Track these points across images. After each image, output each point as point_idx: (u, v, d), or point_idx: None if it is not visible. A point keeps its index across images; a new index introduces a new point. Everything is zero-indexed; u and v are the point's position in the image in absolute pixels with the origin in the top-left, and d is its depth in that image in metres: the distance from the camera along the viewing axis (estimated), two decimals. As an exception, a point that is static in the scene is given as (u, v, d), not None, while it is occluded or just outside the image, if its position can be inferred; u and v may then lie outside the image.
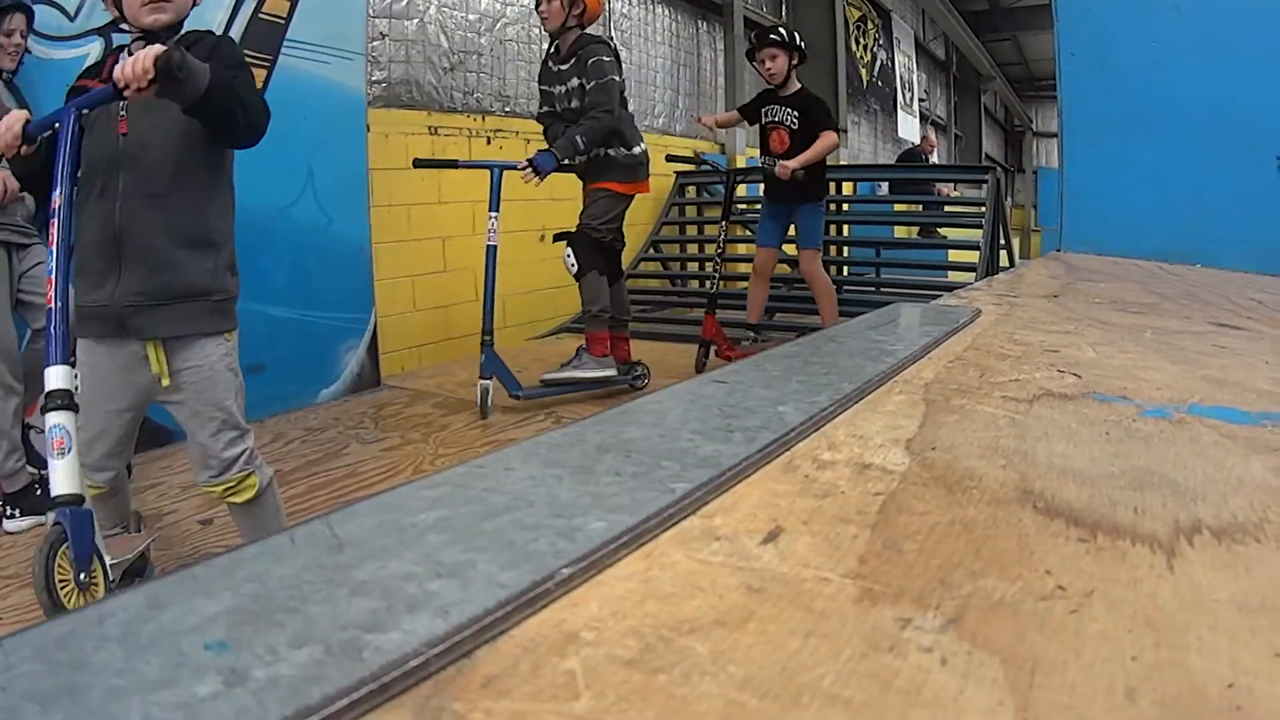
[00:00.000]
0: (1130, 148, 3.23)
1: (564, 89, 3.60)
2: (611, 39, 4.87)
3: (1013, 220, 7.72)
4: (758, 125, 4.39)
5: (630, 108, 3.75)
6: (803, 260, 4.43)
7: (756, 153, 4.61)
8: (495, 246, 3.48)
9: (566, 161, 3.46)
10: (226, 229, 1.95)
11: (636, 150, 3.64)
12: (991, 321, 1.58)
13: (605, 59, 3.52)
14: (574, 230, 3.62)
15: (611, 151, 3.58)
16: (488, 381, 3.41)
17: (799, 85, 4.28)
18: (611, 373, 3.63)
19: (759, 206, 4.94)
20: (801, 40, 4.24)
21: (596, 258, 3.59)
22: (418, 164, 3.71)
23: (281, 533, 0.56)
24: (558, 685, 0.41)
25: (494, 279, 3.47)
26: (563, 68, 3.59)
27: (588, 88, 3.49)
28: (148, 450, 3.04)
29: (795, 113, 4.21)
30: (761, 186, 4.26)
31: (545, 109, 3.79)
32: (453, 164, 3.79)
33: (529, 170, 3.39)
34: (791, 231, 4.48)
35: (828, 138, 4.11)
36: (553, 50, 3.68)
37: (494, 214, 3.48)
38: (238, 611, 0.45)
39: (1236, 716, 0.40)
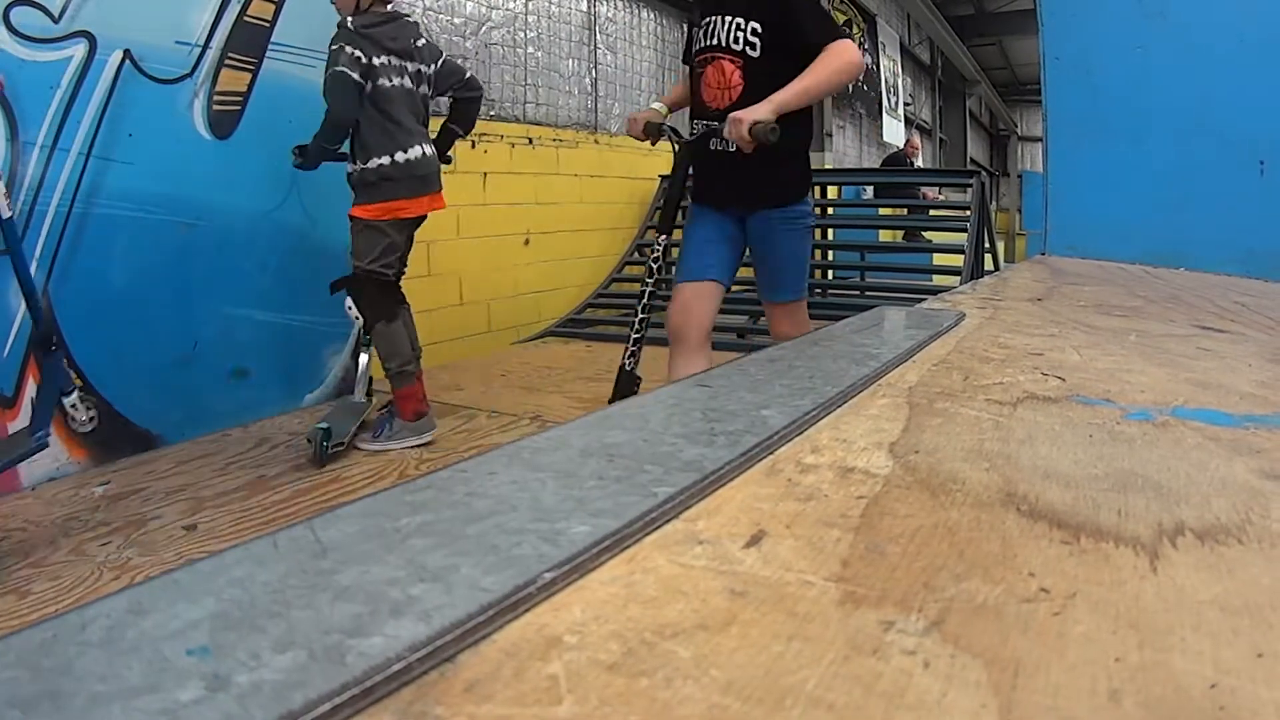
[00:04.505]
0: (1115, 151, 3.25)
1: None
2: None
3: (997, 224, 7.76)
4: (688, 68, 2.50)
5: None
6: (776, 320, 2.53)
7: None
8: None
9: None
10: None
11: (374, 164, 3.01)
12: (976, 325, 1.59)
13: None
14: (351, 275, 3.15)
15: (350, 167, 3.08)
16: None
17: None
18: (429, 438, 3.16)
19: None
20: None
21: (380, 305, 3.11)
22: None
23: (265, 538, 0.56)
24: (540, 689, 0.41)
25: None
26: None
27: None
28: (132, 455, 3.02)
29: (754, 25, 2.25)
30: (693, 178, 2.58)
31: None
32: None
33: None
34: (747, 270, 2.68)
35: (838, 54, 2.17)
36: None
37: None
38: (220, 617, 0.45)
39: (1220, 717, 0.40)
